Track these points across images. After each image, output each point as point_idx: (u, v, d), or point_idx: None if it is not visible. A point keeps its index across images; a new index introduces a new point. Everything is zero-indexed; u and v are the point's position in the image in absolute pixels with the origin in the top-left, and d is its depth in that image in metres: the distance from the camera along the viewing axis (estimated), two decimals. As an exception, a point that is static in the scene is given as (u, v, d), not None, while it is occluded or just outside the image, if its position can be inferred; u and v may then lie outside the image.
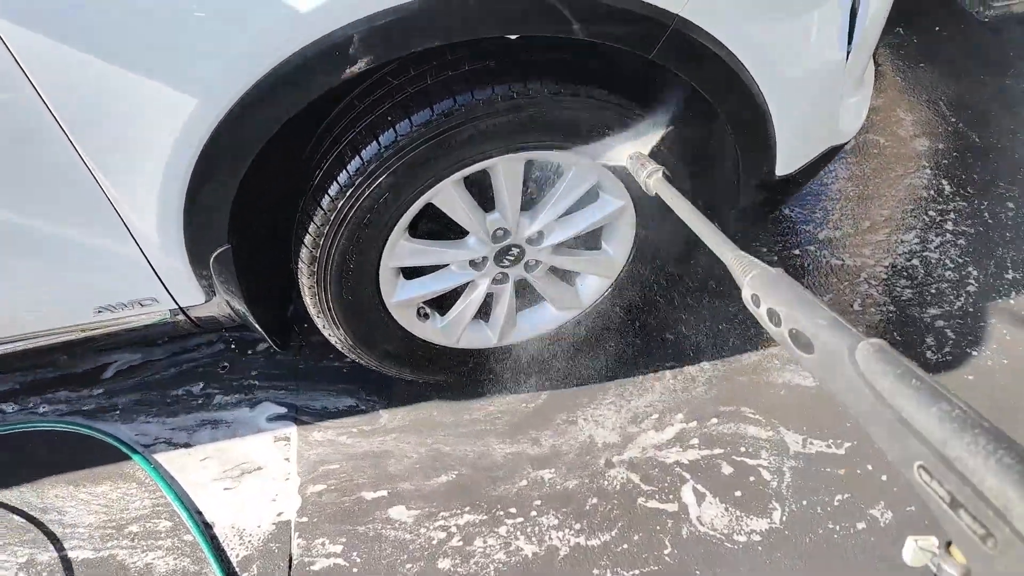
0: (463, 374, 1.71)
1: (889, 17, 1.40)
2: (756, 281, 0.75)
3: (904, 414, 0.53)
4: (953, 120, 2.35)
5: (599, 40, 1.09)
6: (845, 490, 1.54)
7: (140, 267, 1.23)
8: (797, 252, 2.02)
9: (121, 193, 1.10)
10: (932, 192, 2.15)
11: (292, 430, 1.72)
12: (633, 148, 1.26)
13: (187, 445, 1.72)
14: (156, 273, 1.26)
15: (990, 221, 2.07)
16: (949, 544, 0.53)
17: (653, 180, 1.16)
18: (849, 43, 1.28)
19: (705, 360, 1.77)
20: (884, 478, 1.56)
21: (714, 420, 1.66)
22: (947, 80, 2.50)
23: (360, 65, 1.01)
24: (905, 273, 1.95)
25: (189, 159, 1.07)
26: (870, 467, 1.57)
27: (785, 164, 1.40)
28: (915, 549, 0.56)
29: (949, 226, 2.05)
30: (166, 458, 1.70)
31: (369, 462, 1.65)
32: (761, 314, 0.73)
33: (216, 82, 0.99)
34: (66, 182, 1.08)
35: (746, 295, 0.77)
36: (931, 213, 2.09)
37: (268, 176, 1.20)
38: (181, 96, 0.99)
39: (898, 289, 1.91)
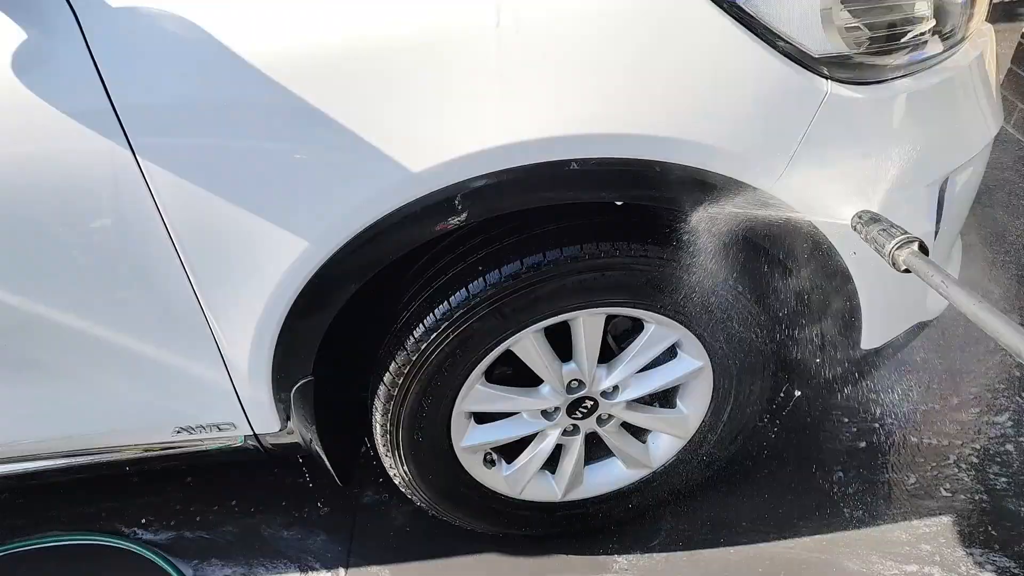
0: (520, 527, 1.64)
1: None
2: None
3: None
4: (1042, 298, 2.29)
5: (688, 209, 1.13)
6: None
7: (226, 393, 1.27)
8: (876, 426, 1.93)
9: (223, 323, 1.16)
10: (1024, 372, 2.05)
11: (341, 573, 1.66)
12: None
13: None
14: (239, 399, 1.29)
15: (1090, 409, 1.95)
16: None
17: (905, 255, 0.91)
18: (938, 221, 1.28)
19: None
20: None
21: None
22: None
23: (464, 218, 1.07)
24: (998, 459, 1.82)
25: (291, 295, 1.12)
26: None
27: (869, 338, 1.37)
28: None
29: (1046, 412, 1.94)
30: (212, 587, 1.66)
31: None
32: None
33: (329, 227, 1.06)
34: (172, 311, 1.14)
35: None
36: (1024, 395, 1.99)
37: (354, 314, 1.24)
38: (294, 237, 1.06)
39: (991, 477, 1.78)
